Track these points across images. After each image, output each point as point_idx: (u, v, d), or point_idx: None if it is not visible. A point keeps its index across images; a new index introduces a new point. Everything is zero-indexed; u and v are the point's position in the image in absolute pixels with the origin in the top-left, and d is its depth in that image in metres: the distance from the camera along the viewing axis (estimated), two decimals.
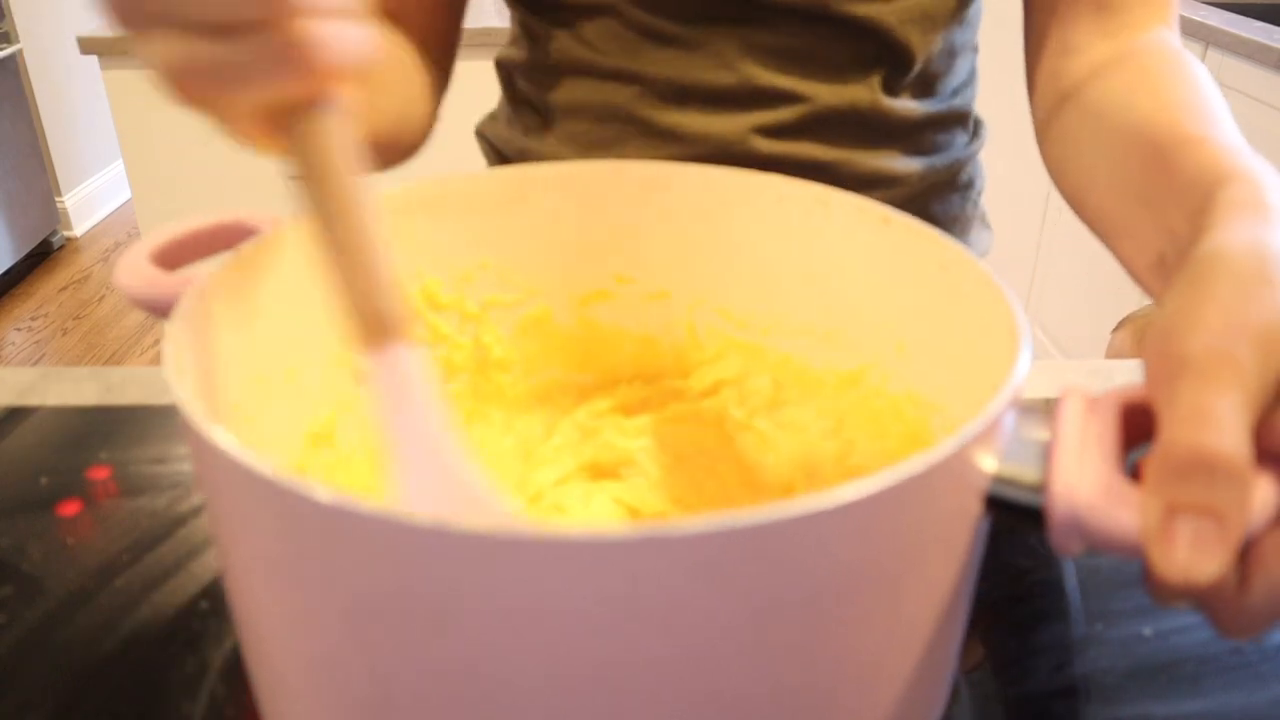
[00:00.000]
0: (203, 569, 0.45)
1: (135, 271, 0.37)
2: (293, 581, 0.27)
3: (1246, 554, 0.26)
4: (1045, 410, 0.29)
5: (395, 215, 0.43)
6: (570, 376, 0.49)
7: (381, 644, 0.26)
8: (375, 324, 0.30)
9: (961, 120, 0.64)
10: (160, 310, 0.35)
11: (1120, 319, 1.17)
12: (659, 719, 0.26)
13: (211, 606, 0.43)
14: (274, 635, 0.29)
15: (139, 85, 1.79)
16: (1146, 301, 1.56)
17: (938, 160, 0.63)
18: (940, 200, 0.65)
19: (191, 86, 0.29)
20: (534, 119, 0.64)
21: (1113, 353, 1.20)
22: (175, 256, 0.39)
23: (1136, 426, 0.29)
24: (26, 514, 0.48)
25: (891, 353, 0.42)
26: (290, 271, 0.40)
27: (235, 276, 0.37)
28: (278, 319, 0.39)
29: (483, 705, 0.26)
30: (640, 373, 0.49)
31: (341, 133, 0.29)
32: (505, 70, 0.67)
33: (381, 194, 0.42)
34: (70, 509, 0.49)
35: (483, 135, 0.71)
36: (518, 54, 0.64)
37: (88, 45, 1.76)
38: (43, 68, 2.92)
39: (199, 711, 0.38)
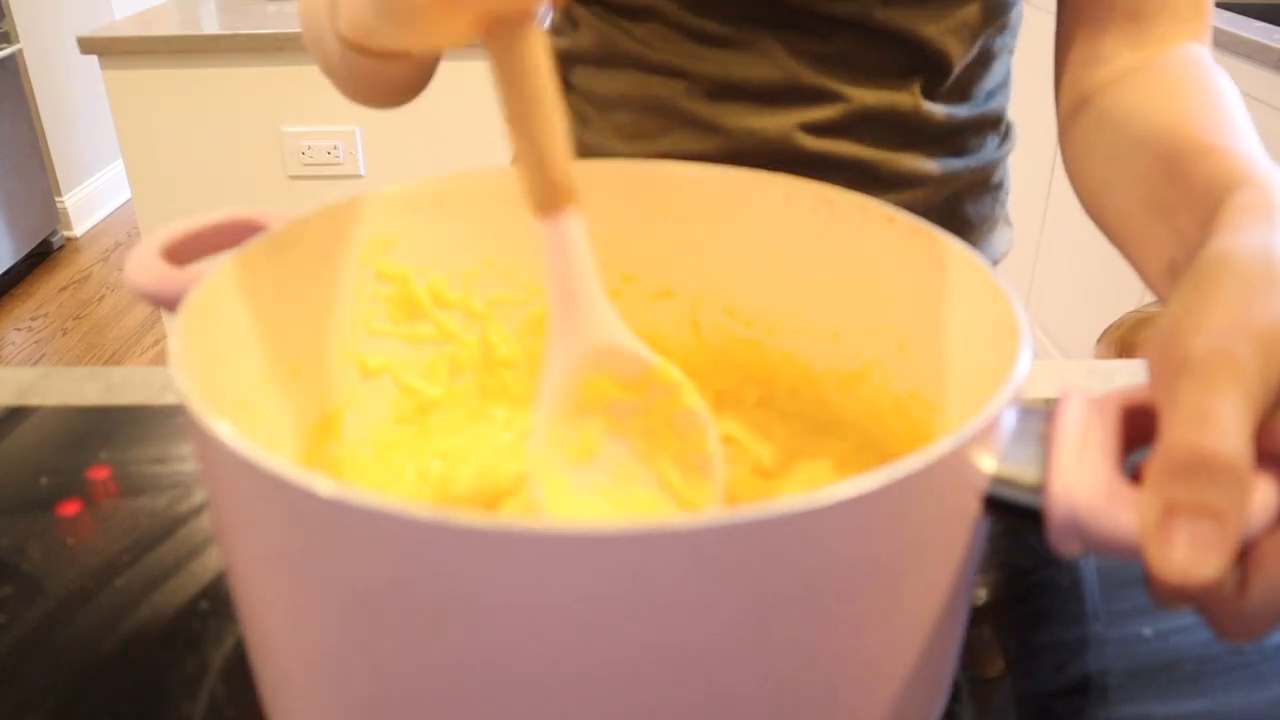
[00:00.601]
0: (203, 569, 0.45)
1: (145, 266, 0.37)
2: (294, 576, 0.27)
3: (1245, 556, 0.26)
4: (1045, 410, 0.29)
5: (401, 213, 0.43)
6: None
7: (382, 638, 0.26)
8: (550, 193, 0.34)
9: (995, 124, 0.65)
10: (169, 305, 0.35)
11: (1106, 327, 1.17)
12: (657, 715, 0.26)
13: (211, 606, 0.43)
14: (276, 630, 0.29)
15: (139, 85, 1.79)
16: (1137, 305, 1.56)
17: (972, 162, 0.63)
18: (973, 201, 0.65)
19: None
20: (579, 108, 0.65)
21: None
22: (185, 252, 0.39)
23: (1138, 428, 0.28)
24: (26, 514, 0.48)
25: (894, 352, 0.42)
26: (297, 268, 0.40)
27: (242, 272, 0.37)
28: (284, 315, 0.40)
29: (481, 699, 0.26)
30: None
31: (538, 35, 0.33)
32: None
33: (387, 192, 0.43)
34: (70, 509, 0.49)
35: None
36: (564, 43, 0.65)
37: (88, 45, 1.76)
38: (43, 67, 2.92)
39: (199, 711, 0.38)
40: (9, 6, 2.75)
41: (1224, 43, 1.60)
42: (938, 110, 0.60)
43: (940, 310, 0.38)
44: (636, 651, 0.25)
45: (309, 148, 1.83)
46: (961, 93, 0.61)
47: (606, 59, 0.62)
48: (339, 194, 0.40)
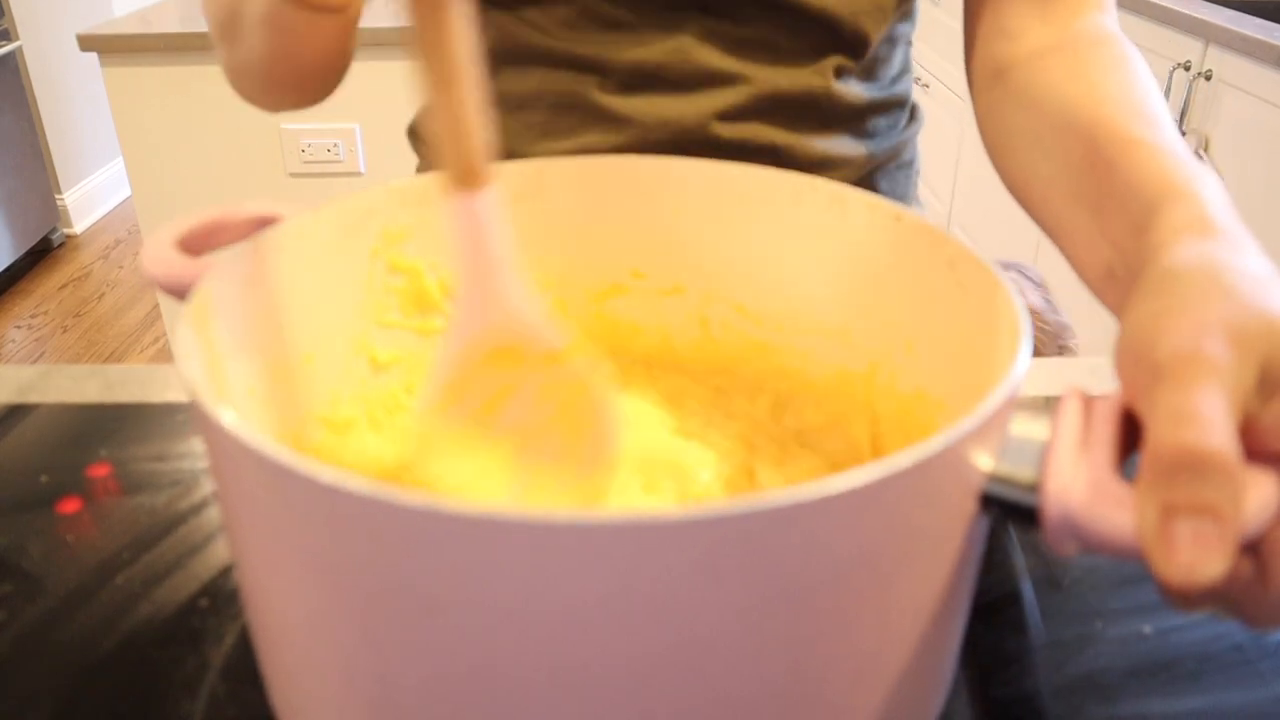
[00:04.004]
0: (203, 566, 0.45)
1: (160, 256, 0.37)
2: (295, 565, 0.27)
3: (1262, 546, 0.26)
4: (1045, 408, 0.29)
5: (411, 207, 0.43)
6: None
7: (380, 625, 0.26)
8: (463, 168, 0.34)
9: (901, 105, 0.66)
10: (183, 294, 0.36)
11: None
12: (649, 708, 0.26)
13: (212, 604, 0.43)
14: (281, 619, 0.30)
15: (139, 83, 1.79)
16: None
17: (883, 142, 0.65)
18: (887, 179, 0.67)
19: None
20: (491, 110, 0.64)
21: None
22: (199, 243, 0.39)
23: (1138, 430, 0.29)
24: (26, 512, 0.48)
25: (901, 351, 0.42)
26: (309, 260, 0.40)
27: (254, 263, 0.37)
28: (295, 306, 0.40)
29: (477, 687, 0.26)
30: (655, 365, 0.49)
31: (464, 9, 0.32)
32: None
33: (397, 187, 0.43)
34: (70, 507, 0.49)
35: (418, 134, 0.69)
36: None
37: (87, 43, 1.75)
38: (42, 65, 2.92)
39: (199, 709, 0.38)
40: (9, 4, 2.75)
41: (1224, 40, 1.60)
42: (848, 91, 0.60)
43: (946, 309, 0.38)
44: (629, 642, 0.25)
45: (309, 145, 1.83)
46: (870, 75, 0.62)
47: (514, 57, 0.61)
48: (339, 192, 0.40)
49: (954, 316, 0.38)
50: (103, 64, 1.77)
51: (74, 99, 3.09)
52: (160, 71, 1.77)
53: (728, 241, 0.46)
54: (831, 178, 0.43)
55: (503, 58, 0.61)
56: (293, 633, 0.29)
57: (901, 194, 0.68)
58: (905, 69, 0.67)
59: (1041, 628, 0.42)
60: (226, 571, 0.45)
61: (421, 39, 0.32)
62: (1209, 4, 1.75)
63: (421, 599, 0.25)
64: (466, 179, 0.34)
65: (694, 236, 0.46)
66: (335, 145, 1.82)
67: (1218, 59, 1.63)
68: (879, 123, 0.64)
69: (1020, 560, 0.46)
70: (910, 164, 0.69)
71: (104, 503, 0.49)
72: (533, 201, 0.45)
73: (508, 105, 0.63)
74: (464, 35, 0.32)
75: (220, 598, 0.43)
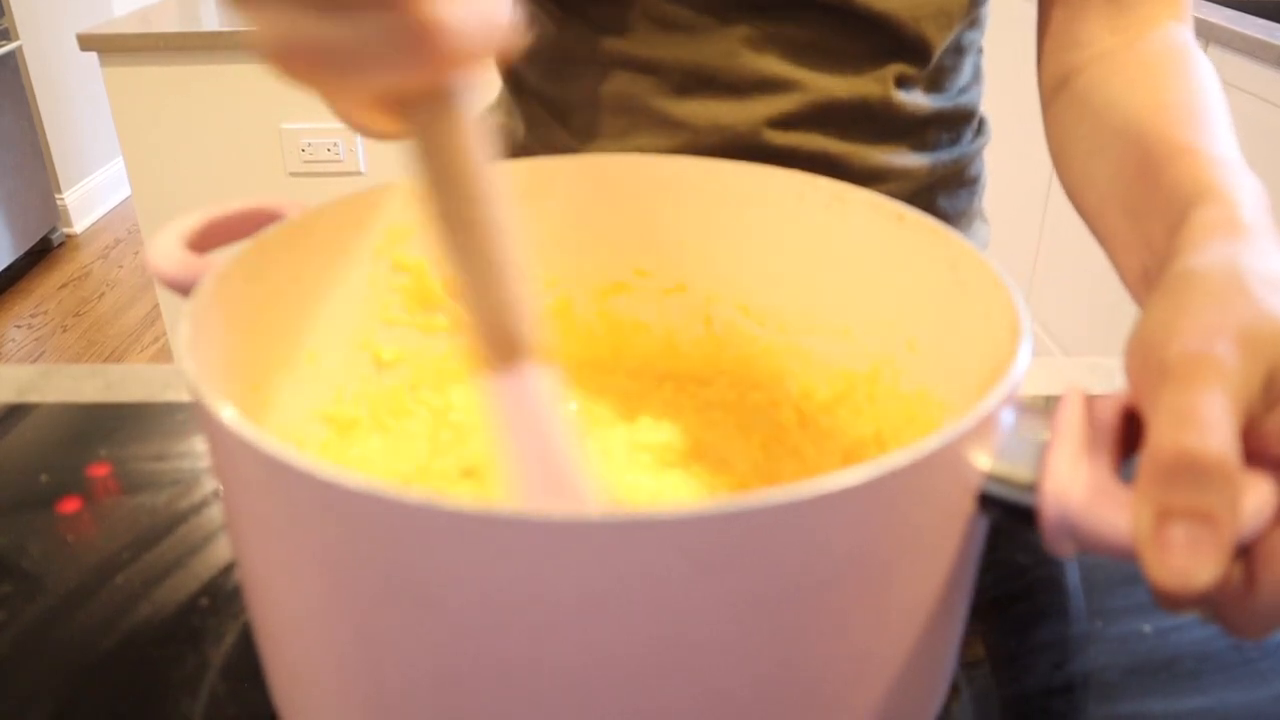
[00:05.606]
0: (203, 566, 0.45)
1: (166, 253, 0.37)
2: (293, 559, 0.27)
3: (1251, 554, 0.26)
4: (1045, 408, 0.29)
5: (415, 205, 0.43)
6: (591, 368, 0.49)
7: (377, 622, 0.26)
8: (503, 343, 0.27)
9: (968, 118, 0.65)
10: (189, 291, 0.36)
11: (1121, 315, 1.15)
12: (647, 705, 0.26)
13: (212, 603, 0.43)
14: (278, 613, 0.30)
15: (139, 82, 1.79)
16: None
17: (944, 156, 0.63)
18: (948, 195, 0.65)
19: (299, 66, 0.25)
20: (543, 111, 0.64)
21: None
22: (207, 240, 0.39)
23: (1138, 430, 0.29)
24: (27, 511, 0.48)
25: (903, 350, 0.42)
26: (313, 257, 0.40)
27: (257, 260, 0.37)
28: (299, 303, 0.40)
29: (473, 684, 0.26)
30: (656, 367, 0.49)
31: (469, 124, 0.26)
32: (509, 60, 0.66)
33: (404, 183, 0.43)
34: (70, 506, 0.49)
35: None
36: (524, 43, 0.64)
37: (87, 42, 1.75)
38: (42, 65, 2.92)
39: (199, 709, 0.38)
40: (9, 4, 2.75)
41: (1225, 39, 1.60)
42: (910, 101, 0.59)
43: (948, 308, 0.38)
44: (626, 640, 0.25)
45: (309, 145, 1.83)
46: (935, 84, 0.61)
47: (571, 58, 0.61)
48: (339, 191, 0.40)
49: (956, 316, 0.38)
50: (103, 64, 1.77)
51: (74, 99, 3.09)
52: (160, 71, 1.77)
53: (730, 240, 0.46)
54: (889, 191, 0.42)
55: (560, 59, 0.61)
56: (293, 630, 0.29)
57: (963, 211, 0.66)
58: (975, 79, 0.65)
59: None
60: (226, 570, 0.45)
61: (421, 167, 0.26)
62: (1209, 4, 1.75)
63: (421, 595, 0.25)
64: (505, 355, 0.27)
65: (696, 235, 0.46)
66: (335, 145, 1.82)
67: (1218, 59, 1.63)
68: (943, 136, 0.63)
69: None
70: (975, 180, 0.67)
71: (104, 502, 0.49)
72: (537, 198, 0.45)
73: (563, 107, 0.62)
74: (472, 155, 0.26)
75: (220, 597, 0.43)
